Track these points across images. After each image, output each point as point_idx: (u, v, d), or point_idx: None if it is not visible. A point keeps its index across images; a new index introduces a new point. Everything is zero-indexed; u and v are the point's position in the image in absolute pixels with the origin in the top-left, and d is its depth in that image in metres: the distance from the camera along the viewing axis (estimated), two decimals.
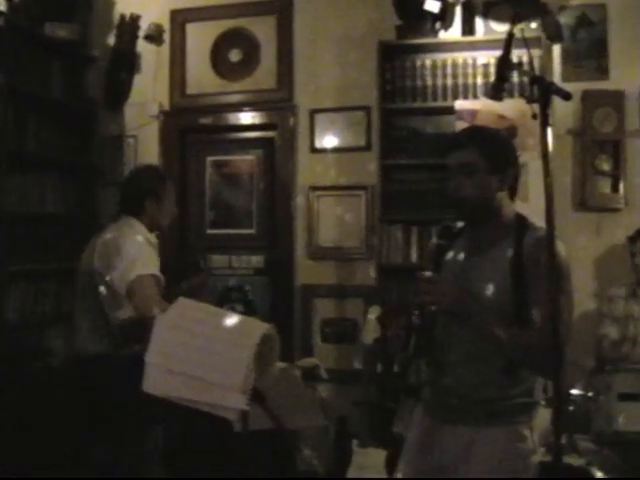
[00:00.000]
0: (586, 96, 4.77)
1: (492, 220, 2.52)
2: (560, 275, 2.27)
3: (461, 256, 2.56)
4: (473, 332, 2.40)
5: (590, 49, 4.89)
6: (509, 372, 2.42)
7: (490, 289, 2.42)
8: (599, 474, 3.35)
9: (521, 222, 2.51)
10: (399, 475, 2.63)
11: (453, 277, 2.49)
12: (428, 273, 2.42)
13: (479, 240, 2.54)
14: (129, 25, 5.49)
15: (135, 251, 3.47)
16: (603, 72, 4.86)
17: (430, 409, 2.58)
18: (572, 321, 2.41)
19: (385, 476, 3.76)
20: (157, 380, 2.13)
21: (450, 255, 2.56)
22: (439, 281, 2.40)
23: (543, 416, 3.68)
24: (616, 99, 4.76)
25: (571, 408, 3.66)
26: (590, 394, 3.74)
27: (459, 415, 2.47)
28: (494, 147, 2.52)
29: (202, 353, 2.07)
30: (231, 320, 2.15)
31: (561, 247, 2.38)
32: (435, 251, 2.53)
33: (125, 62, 5.53)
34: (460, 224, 2.60)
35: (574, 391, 3.74)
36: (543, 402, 3.63)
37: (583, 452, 3.50)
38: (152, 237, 3.65)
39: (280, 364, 2.39)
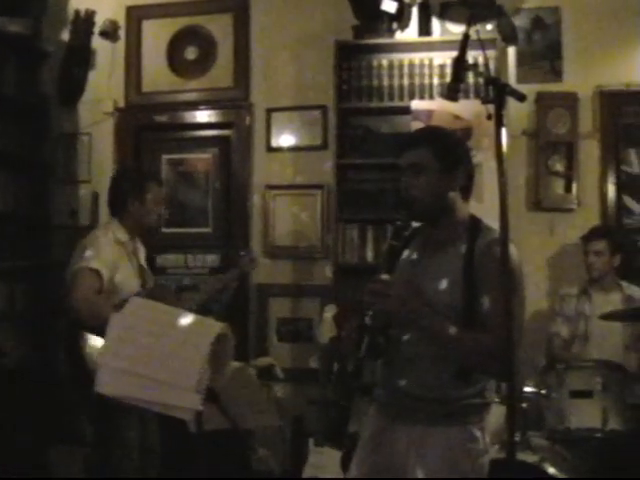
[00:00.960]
0: (540, 98, 4.83)
1: (445, 221, 2.52)
2: (512, 278, 2.27)
3: (414, 257, 2.56)
4: (425, 334, 2.41)
5: (544, 51, 4.95)
6: (461, 374, 2.42)
7: (442, 290, 2.43)
8: (552, 470, 3.39)
9: (475, 224, 2.52)
10: (351, 474, 2.63)
11: (405, 278, 2.49)
12: (384, 276, 2.42)
13: (432, 241, 2.55)
14: (84, 21, 5.42)
15: (87, 246, 3.64)
16: (557, 74, 4.93)
17: (383, 408, 2.58)
18: (523, 324, 2.43)
19: (341, 475, 3.77)
20: (110, 381, 2.11)
21: (404, 255, 2.56)
22: (389, 283, 2.40)
23: (497, 413, 3.73)
24: (569, 101, 4.83)
25: (524, 406, 3.69)
26: (543, 392, 3.78)
27: (411, 415, 2.47)
28: (446, 147, 2.53)
29: (156, 353, 2.06)
30: (185, 320, 2.14)
31: (514, 250, 2.39)
32: (388, 252, 2.52)
33: (79, 58, 5.45)
34: (415, 224, 2.60)
35: (527, 389, 3.78)
36: (497, 400, 3.68)
37: (536, 449, 3.54)
38: (125, 236, 3.77)
39: (235, 364, 2.38)
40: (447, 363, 2.42)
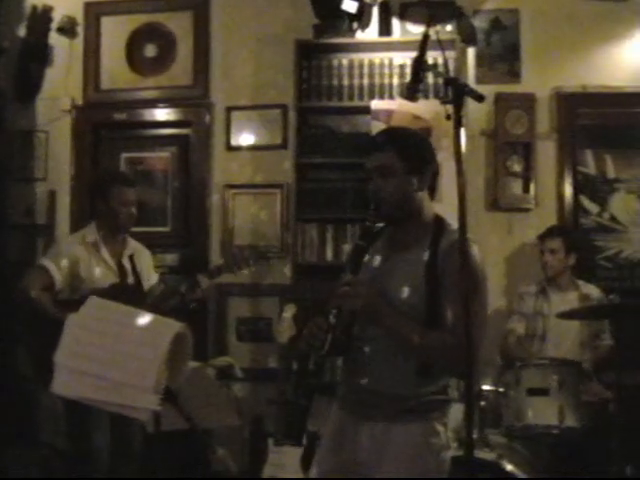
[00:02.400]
0: (499, 98, 4.87)
1: (411, 221, 2.54)
2: (474, 279, 2.32)
3: (379, 257, 2.57)
4: (388, 333, 2.43)
5: (503, 52, 5.00)
6: (423, 371, 2.44)
7: (405, 290, 2.45)
8: (509, 467, 3.42)
9: (439, 224, 2.54)
10: (313, 472, 2.63)
11: (370, 278, 2.50)
12: (349, 276, 2.44)
13: (397, 241, 2.57)
14: (41, 16, 5.35)
15: (51, 246, 3.98)
16: (515, 75, 4.98)
17: (345, 406, 2.59)
18: (485, 324, 2.45)
19: (300, 475, 3.77)
20: (66, 381, 2.08)
21: (369, 256, 2.57)
22: (354, 282, 2.41)
23: (455, 411, 3.76)
24: (527, 102, 4.88)
25: (482, 404, 3.72)
26: (500, 390, 3.81)
27: (374, 412, 2.48)
28: (411, 148, 2.54)
29: (113, 353, 2.03)
30: (143, 319, 2.12)
31: (476, 251, 2.44)
32: (355, 252, 2.53)
33: (36, 54, 5.38)
34: (380, 224, 2.61)
35: (485, 387, 3.81)
36: (456, 398, 3.70)
37: (494, 446, 3.57)
38: (93, 237, 3.92)
39: (194, 363, 2.36)
40: (409, 360, 2.44)
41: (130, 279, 3.96)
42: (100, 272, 3.88)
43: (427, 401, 2.47)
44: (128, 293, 3.79)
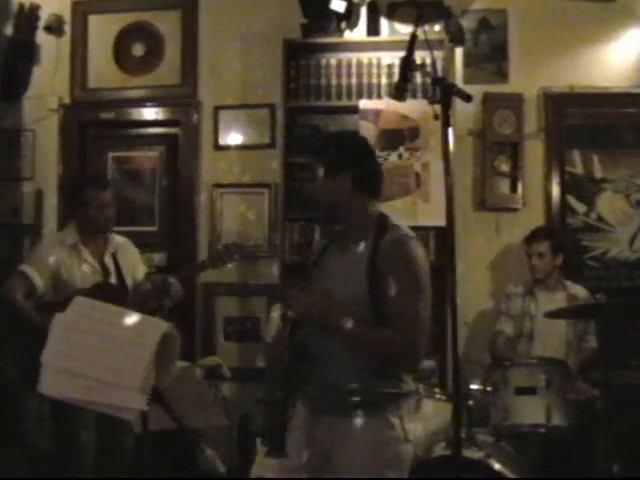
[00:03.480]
0: (486, 98, 4.88)
1: (351, 221, 2.63)
2: (416, 274, 2.49)
3: (326, 259, 2.67)
4: (335, 334, 2.51)
5: (491, 53, 5.01)
6: (373, 367, 2.52)
7: (350, 289, 2.52)
8: (497, 466, 3.43)
9: (381, 222, 2.61)
10: (283, 466, 2.68)
11: (319, 280, 2.61)
12: (299, 284, 2.58)
13: (341, 241, 2.66)
14: (28, 15, 5.32)
15: (32, 250, 4.02)
16: (503, 75, 4.99)
17: (307, 402, 2.65)
18: (429, 317, 2.53)
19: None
20: (53, 381, 2.08)
21: (321, 258, 2.67)
22: (300, 291, 2.53)
23: (443, 411, 3.77)
24: (515, 102, 4.89)
25: (470, 403, 3.73)
26: (488, 389, 3.82)
27: (333, 407, 2.55)
28: (327, 153, 2.63)
29: (100, 353, 2.03)
30: (130, 319, 2.11)
31: (417, 246, 2.55)
32: (307, 260, 2.67)
33: (23, 53, 5.35)
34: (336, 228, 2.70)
35: (473, 386, 3.82)
36: (444, 397, 3.72)
37: (482, 445, 3.57)
38: (73, 239, 3.90)
39: (181, 363, 2.36)
40: (360, 357, 2.52)
41: (113, 278, 3.94)
42: (82, 273, 3.88)
43: (382, 395, 2.54)
44: (110, 292, 3.77)
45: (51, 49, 5.38)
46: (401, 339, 2.42)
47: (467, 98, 2.33)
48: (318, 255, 2.68)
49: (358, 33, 5.04)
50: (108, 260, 3.97)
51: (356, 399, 2.51)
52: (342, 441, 2.51)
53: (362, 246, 2.56)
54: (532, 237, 4.50)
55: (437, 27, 4.89)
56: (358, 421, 2.51)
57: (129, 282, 4.01)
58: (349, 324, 2.45)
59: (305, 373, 2.58)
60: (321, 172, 2.58)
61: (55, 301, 3.69)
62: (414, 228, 4.57)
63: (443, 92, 2.30)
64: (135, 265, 4.14)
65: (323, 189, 2.59)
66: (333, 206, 2.61)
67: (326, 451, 2.55)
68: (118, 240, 4.10)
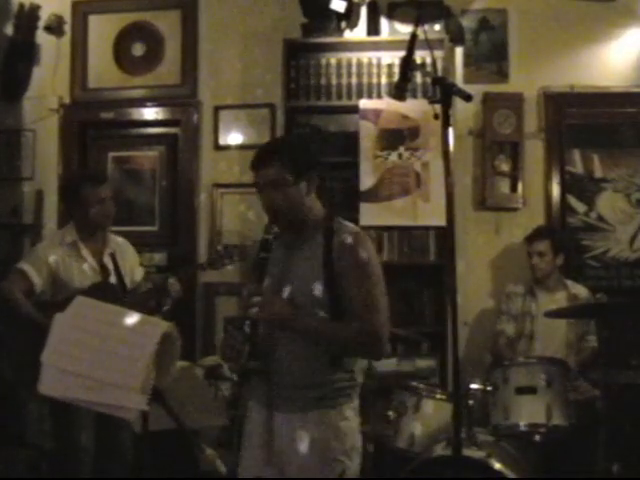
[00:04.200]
0: (486, 98, 4.88)
1: (303, 224, 2.67)
2: (371, 268, 2.57)
3: (279, 263, 2.68)
4: (297, 333, 2.57)
5: (491, 52, 5.01)
6: (333, 360, 2.59)
7: (308, 290, 2.57)
8: (497, 466, 3.42)
9: (329, 222, 2.66)
10: (244, 472, 2.72)
11: (274, 284, 2.63)
12: (251, 286, 2.57)
13: (292, 244, 2.69)
14: (28, 15, 5.32)
15: (32, 248, 3.96)
16: (503, 75, 4.99)
17: (263, 400, 2.67)
18: (387, 307, 2.60)
19: None
20: (54, 381, 2.08)
21: (270, 262, 2.67)
22: (261, 294, 2.54)
23: (443, 410, 3.77)
24: (515, 101, 4.89)
25: (471, 402, 3.73)
26: (488, 388, 3.82)
27: (289, 403, 2.60)
28: (294, 157, 2.65)
29: (101, 353, 2.03)
30: (131, 319, 2.11)
31: (367, 240, 2.62)
32: (257, 265, 2.64)
33: (23, 53, 5.35)
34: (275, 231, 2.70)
35: (473, 386, 3.82)
36: (444, 397, 3.71)
37: (482, 445, 3.57)
38: (72, 237, 3.89)
39: (182, 363, 2.36)
40: (319, 352, 2.58)
41: (112, 278, 3.92)
42: (81, 272, 3.86)
43: (337, 388, 2.60)
44: (109, 292, 3.77)
45: (51, 49, 5.38)
46: (366, 331, 2.52)
47: (467, 98, 2.33)
48: (262, 267, 2.65)
49: (358, 33, 5.04)
50: (107, 260, 3.95)
51: (314, 394, 2.57)
52: (299, 436, 2.56)
53: (314, 247, 2.61)
54: (533, 236, 4.50)
55: (437, 27, 4.89)
56: (315, 415, 2.56)
57: (128, 282, 3.99)
58: (315, 324, 2.55)
59: (260, 369, 2.61)
60: (287, 182, 2.59)
61: (54, 300, 3.69)
62: (414, 228, 4.68)
63: (443, 92, 2.30)
64: (133, 266, 4.13)
65: (291, 197, 2.61)
66: (293, 213, 2.63)
67: (284, 447, 2.59)
68: (117, 240, 4.09)
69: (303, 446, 2.55)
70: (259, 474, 2.65)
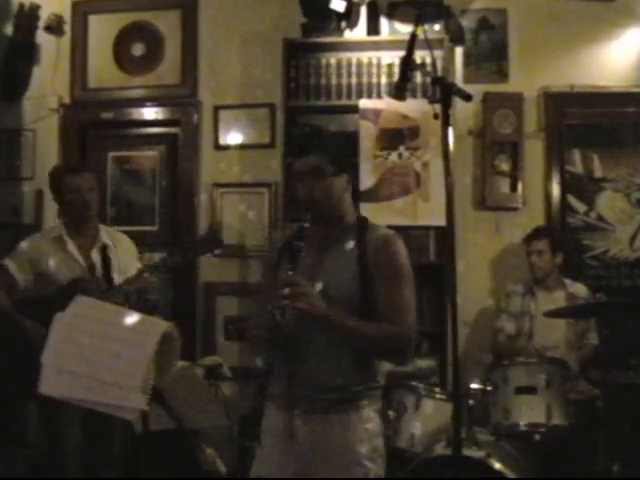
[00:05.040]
0: (486, 98, 4.88)
1: (338, 220, 2.66)
2: (404, 270, 2.56)
3: (311, 256, 2.62)
4: (323, 326, 2.51)
5: (491, 52, 5.01)
6: (360, 360, 2.56)
7: (339, 286, 2.54)
8: (497, 465, 3.43)
9: (363, 222, 2.68)
10: (258, 472, 2.66)
11: (307, 276, 2.57)
12: (289, 273, 2.51)
13: (325, 239, 2.66)
14: (28, 15, 5.33)
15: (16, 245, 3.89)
16: (503, 75, 4.99)
17: (282, 402, 2.62)
18: (416, 311, 2.58)
19: None
20: (54, 381, 2.08)
21: (302, 255, 2.62)
22: (298, 282, 2.47)
23: (443, 410, 3.77)
24: (515, 101, 4.89)
25: (471, 402, 3.73)
26: (488, 388, 3.82)
27: (311, 405, 2.55)
28: (340, 149, 2.66)
29: (101, 353, 2.03)
30: (131, 319, 2.12)
31: (401, 242, 2.61)
32: (292, 253, 2.59)
33: (23, 53, 5.35)
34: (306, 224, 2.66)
35: (473, 385, 3.82)
36: (444, 397, 3.72)
37: (482, 444, 3.58)
38: (58, 232, 3.88)
39: (182, 363, 2.36)
40: (345, 352, 2.55)
41: (99, 273, 3.84)
42: (66, 267, 3.80)
43: (361, 389, 2.57)
44: (88, 287, 3.66)
45: (51, 49, 5.39)
46: (396, 333, 2.50)
47: (467, 97, 2.33)
48: (295, 256, 2.58)
49: (358, 33, 5.04)
50: (95, 255, 3.88)
51: (338, 395, 2.53)
52: (321, 440, 2.52)
53: (349, 245, 2.61)
54: (532, 235, 4.51)
55: (437, 26, 4.89)
56: (337, 418, 2.53)
57: (117, 278, 3.86)
58: (347, 320, 2.48)
59: (277, 371, 2.54)
60: (328, 172, 2.57)
61: (39, 296, 3.66)
62: (414, 227, 4.67)
63: (443, 91, 2.30)
64: (128, 261, 4.01)
65: (329, 189, 2.59)
66: (332, 205, 2.62)
67: (306, 450, 2.54)
68: (112, 234, 4.05)
69: (323, 449, 2.52)
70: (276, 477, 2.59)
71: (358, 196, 2.78)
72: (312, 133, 3.01)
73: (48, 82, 5.39)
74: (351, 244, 2.60)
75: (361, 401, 2.56)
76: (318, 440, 2.52)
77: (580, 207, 4.90)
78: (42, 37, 5.38)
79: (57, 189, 3.92)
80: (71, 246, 3.86)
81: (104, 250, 3.89)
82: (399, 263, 2.56)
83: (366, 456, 2.53)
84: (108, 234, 4.02)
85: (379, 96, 4.84)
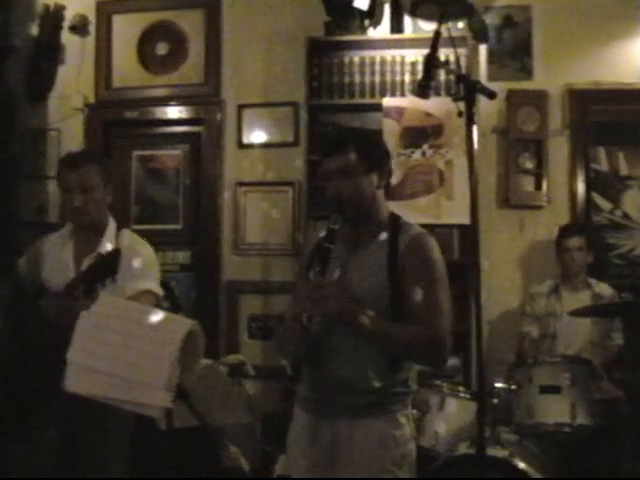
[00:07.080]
0: (510, 95, 4.86)
1: (368, 219, 2.59)
2: (438, 271, 2.49)
3: (342, 256, 2.58)
4: (352, 329, 2.45)
5: (515, 49, 4.98)
6: (391, 364, 2.50)
7: (370, 287, 2.49)
8: (521, 465, 3.41)
9: (395, 220, 2.60)
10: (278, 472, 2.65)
11: (336, 278, 2.53)
12: (317, 278, 2.46)
13: (356, 239, 2.60)
14: (53, 15, 5.36)
15: None
16: (527, 72, 4.97)
17: (308, 405, 2.59)
18: (450, 312, 2.51)
19: None
20: (79, 379, 2.10)
21: (333, 256, 2.56)
22: (326, 285, 2.44)
23: (467, 409, 3.76)
24: (539, 99, 4.86)
25: (494, 401, 3.72)
26: (512, 387, 3.81)
27: (337, 409, 2.51)
28: (370, 147, 2.59)
29: (125, 351, 2.04)
30: (155, 317, 2.13)
31: (434, 243, 2.54)
32: (322, 254, 2.52)
33: (48, 53, 5.39)
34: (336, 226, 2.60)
35: (497, 384, 3.81)
36: (468, 396, 3.70)
37: (505, 444, 3.56)
38: (61, 232, 3.47)
39: (205, 361, 2.37)
40: (376, 355, 2.48)
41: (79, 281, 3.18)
42: (53, 270, 3.35)
43: (390, 394, 2.52)
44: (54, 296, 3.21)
45: (76, 49, 5.43)
46: (430, 336, 2.42)
47: (491, 95, 2.32)
48: (326, 257, 2.51)
49: (381, 31, 5.04)
50: (87, 262, 3.22)
51: (367, 399, 2.48)
52: (347, 444, 2.48)
53: (378, 244, 2.54)
54: (569, 232, 4.47)
55: (460, 24, 4.86)
56: (365, 422, 2.48)
57: (104, 290, 3.04)
58: (379, 322, 2.42)
59: (304, 374, 2.52)
60: (360, 169, 2.52)
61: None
62: (438, 226, 4.66)
63: (467, 89, 2.29)
64: (128, 276, 3.20)
65: (360, 187, 2.53)
66: (362, 204, 2.55)
67: (330, 455, 2.51)
68: (123, 242, 3.33)
69: (350, 457, 2.47)
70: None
71: (390, 194, 2.69)
72: (341, 130, 2.97)
73: (73, 82, 5.43)
74: (381, 243, 2.54)
75: (390, 406, 2.51)
76: (344, 446, 2.48)
77: (605, 205, 4.87)
78: (67, 37, 5.42)
79: (58, 185, 3.42)
80: (67, 250, 3.38)
81: (101, 257, 3.14)
82: (432, 262, 2.49)
83: (393, 462, 2.47)
84: (119, 242, 3.34)
85: (402, 94, 4.83)
